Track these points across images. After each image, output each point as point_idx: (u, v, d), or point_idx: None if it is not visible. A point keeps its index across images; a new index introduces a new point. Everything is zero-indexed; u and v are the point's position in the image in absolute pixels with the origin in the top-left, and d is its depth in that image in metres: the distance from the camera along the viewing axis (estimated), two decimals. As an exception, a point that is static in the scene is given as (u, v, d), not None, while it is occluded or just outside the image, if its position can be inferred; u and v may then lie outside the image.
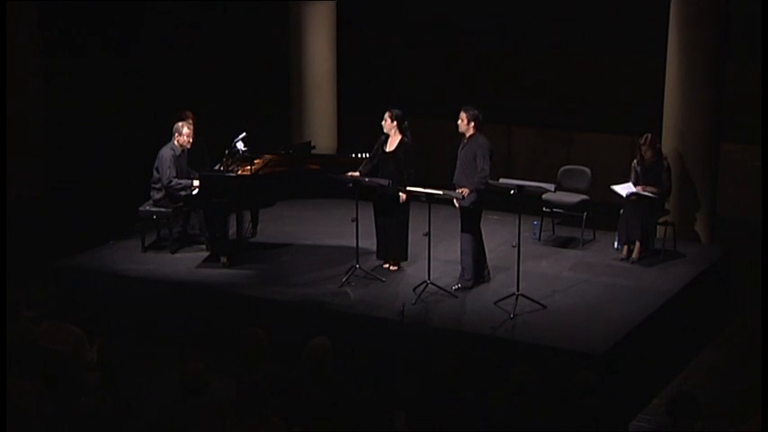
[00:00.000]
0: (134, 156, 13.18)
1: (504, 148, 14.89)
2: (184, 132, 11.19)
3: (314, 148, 12.05)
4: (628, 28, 14.86)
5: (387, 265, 10.85)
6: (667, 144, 11.62)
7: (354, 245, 10.57)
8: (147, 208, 11.29)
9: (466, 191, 10.05)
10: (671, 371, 9.75)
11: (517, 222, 9.99)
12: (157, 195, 11.25)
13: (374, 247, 10.90)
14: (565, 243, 11.64)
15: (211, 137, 11.85)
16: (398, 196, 10.44)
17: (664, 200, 11.32)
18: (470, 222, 10.27)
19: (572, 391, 7.20)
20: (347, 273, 10.51)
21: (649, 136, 11.19)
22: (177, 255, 11.29)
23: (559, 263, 11.06)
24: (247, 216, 11.72)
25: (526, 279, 10.08)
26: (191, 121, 11.44)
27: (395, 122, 10.49)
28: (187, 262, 11.10)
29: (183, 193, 11.08)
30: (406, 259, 10.86)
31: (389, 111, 10.52)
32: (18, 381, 7.20)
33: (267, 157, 11.37)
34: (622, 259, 11.07)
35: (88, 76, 15.92)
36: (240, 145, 11.11)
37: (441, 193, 9.99)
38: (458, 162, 10.27)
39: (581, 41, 15.38)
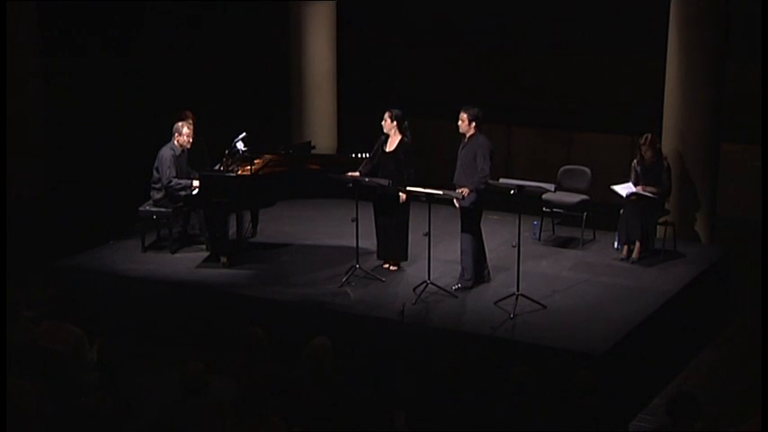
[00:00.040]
0: (134, 156, 13.16)
1: (504, 148, 14.88)
2: (184, 132, 11.19)
3: (314, 148, 12.05)
4: (628, 28, 14.84)
5: (387, 265, 10.84)
6: (667, 144, 11.62)
7: (354, 245, 10.56)
8: (147, 208, 11.29)
9: (466, 191, 10.04)
10: (671, 371, 9.75)
11: (517, 222, 9.98)
12: (157, 195, 11.25)
13: (374, 247, 10.90)
14: (565, 243, 11.64)
15: (211, 137, 11.84)
16: (398, 196, 10.44)
17: (664, 200, 11.32)
18: (470, 222, 10.26)
19: (572, 391, 7.19)
20: (347, 273, 10.50)
21: (649, 136, 11.18)
22: (177, 255, 11.29)
23: (559, 263, 11.05)
24: (247, 216, 11.71)
25: (526, 279, 10.08)
26: (191, 121, 11.44)
27: (395, 122, 10.48)
28: (187, 262, 11.10)
29: (182, 193, 11.08)
30: (406, 259, 10.86)
31: (389, 111, 10.52)
32: (18, 381, 7.20)
33: (267, 157, 11.37)
34: (622, 259, 11.07)
35: (88, 76, 15.89)
36: (240, 145, 11.11)
37: (441, 193, 9.98)
38: (458, 162, 10.27)
39: (581, 41, 15.37)
